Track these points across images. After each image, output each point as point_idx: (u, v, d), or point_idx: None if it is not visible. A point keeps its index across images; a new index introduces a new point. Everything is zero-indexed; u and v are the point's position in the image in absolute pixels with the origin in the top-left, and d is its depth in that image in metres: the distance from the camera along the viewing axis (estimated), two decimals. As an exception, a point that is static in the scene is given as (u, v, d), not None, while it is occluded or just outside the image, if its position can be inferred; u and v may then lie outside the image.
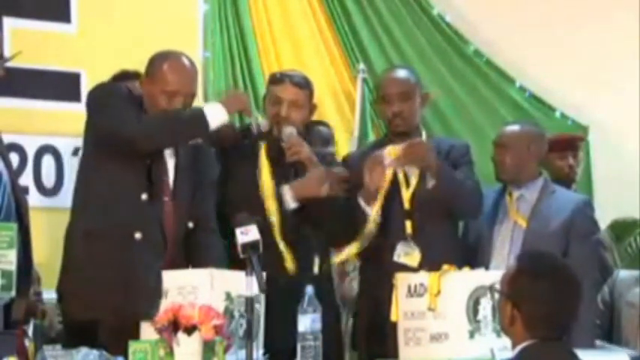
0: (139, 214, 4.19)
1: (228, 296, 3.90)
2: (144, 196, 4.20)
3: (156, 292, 4.03)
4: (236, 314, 3.90)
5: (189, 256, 4.34)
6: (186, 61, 4.34)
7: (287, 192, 4.47)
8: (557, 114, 6.52)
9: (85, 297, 4.15)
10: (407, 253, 4.55)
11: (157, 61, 4.32)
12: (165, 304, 3.79)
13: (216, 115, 4.24)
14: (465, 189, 4.62)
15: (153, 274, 4.07)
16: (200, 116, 4.22)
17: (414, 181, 4.66)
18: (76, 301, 4.20)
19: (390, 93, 4.70)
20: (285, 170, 4.55)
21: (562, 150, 5.59)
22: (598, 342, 4.99)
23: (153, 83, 4.28)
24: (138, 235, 4.16)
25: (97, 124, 4.26)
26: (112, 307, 4.10)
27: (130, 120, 4.18)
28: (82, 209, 4.28)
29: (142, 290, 4.06)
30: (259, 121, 4.60)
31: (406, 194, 4.64)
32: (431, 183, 4.54)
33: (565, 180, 5.54)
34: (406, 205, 4.63)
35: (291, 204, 4.46)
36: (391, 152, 4.51)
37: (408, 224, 4.60)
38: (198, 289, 3.89)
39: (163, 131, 4.21)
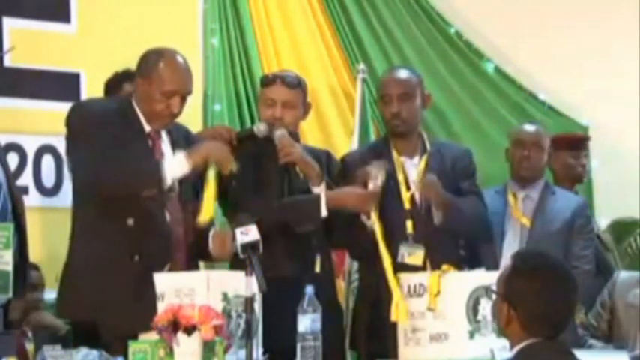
0: (129, 240, 4.16)
1: (225, 297, 3.90)
2: (130, 222, 4.17)
3: (148, 317, 4.02)
4: (233, 314, 3.90)
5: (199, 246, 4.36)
6: (180, 59, 4.30)
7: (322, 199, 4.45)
8: (557, 114, 6.51)
9: (84, 298, 4.16)
10: (410, 253, 4.56)
11: (152, 59, 4.26)
12: (162, 307, 3.78)
13: (176, 168, 4.15)
14: (472, 220, 4.69)
15: (146, 297, 4.03)
16: (155, 171, 4.12)
17: (413, 182, 4.67)
18: (74, 300, 4.21)
19: (389, 93, 4.70)
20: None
21: (576, 149, 5.63)
22: (593, 341, 5.03)
23: (149, 83, 4.23)
24: (136, 258, 4.15)
25: (67, 153, 4.29)
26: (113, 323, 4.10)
27: (88, 167, 4.13)
28: (78, 236, 4.27)
29: (142, 308, 4.05)
30: (258, 125, 4.61)
31: (406, 195, 4.64)
32: (437, 219, 4.55)
33: (574, 179, 5.58)
34: (406, 205, 4.63)
35: (323, 212, 4.45)
36: (378, 173, 4.50)
37: (409, 224, 4.61)
38: (194, 291, 3.88)
39: (116, 182, 4.11)
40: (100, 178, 4.11)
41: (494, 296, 3.28)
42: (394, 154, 4.69)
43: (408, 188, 4.64)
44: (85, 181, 4.17)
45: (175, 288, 3.95)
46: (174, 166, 4.15)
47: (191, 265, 4.27)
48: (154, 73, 4.23)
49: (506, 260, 4.73)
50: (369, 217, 4.50)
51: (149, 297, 3.99)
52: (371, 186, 4.45)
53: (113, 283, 4.13)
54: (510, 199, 5.13)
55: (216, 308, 3.76)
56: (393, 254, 4.52)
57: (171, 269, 4.18)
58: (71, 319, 4.25)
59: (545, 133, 5.29)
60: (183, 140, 4.36)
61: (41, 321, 4.60)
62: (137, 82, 4.29)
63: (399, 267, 4.45)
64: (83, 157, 4.16)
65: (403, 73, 4.82)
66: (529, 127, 5.29)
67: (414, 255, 4.55)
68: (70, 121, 4.27)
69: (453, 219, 4.58)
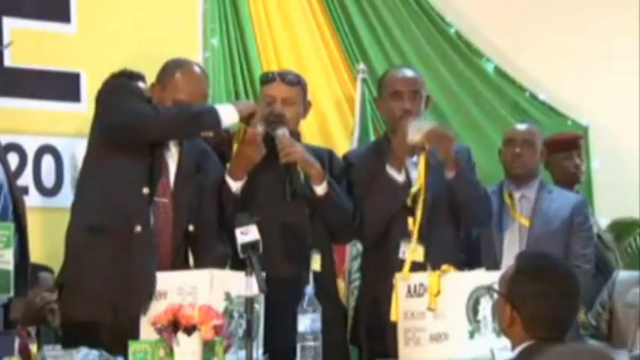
0: (140, 208, 4.19)
1: (228, 296, 3.90)
2: (145, 190, 4.20)
3: (151, 286, 4.03)
4: (235, 314, 3.90)
5: (194, 259, 4.37)
6: (198, 71, 4.39)
7: (227, 178, 4.45)
8: (557, 114, 6.52)
9: (85, 292, 4.16)
10: (411, 250, 4.57)
11: (170, 68, 4.35)
12: (164, 305, 3.78)
13: (228, 115, 4.27)
14: (482, 190, 4.71)
15: (150, 268, 4.08)
16: (213, 112, 4.25)
17: (416, 180, 4.68)
18: (75, 296, 4.20)
19: (401, 90, 4.74)
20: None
21: (567, 150, 5.63)
22: (592, 341, 5.04)
23: (164, 90, 4.32)
24: (138, 229, 4.16)
25: (109, 113, 4.24)
26: (110, 301, 4.10)
27: (143, 108, 4.20)
28: (84, 205, 4.28)
29: (139, 283, 4.06)
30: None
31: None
32: (450, 174, 4.56)
33: (571, 180, 5.58)
34: (408, 202, 4.64)
35: (234, 186, 4.44)
36: (419, 129, 4.54)
37: (411, 221, 4.61)
38: (197, 290, 3.89)
39: (177, 120, 4.21)
40: (158, 117, 4.18)
41: (495, 295, 3.28)
42: (396, 152, 4.72)
43: (410, 185, 4.65)
44: (143, 121, 4.18)
45: (178, 286, 3.95)
46: (228, 114, 4.27)
47: (177, 268, 4.26)
48: (170, 81, 4.32)
49: (507, 260, 4.76)
50: (399, 171, 4.57)
51: (149, 274, 4.05)
52: (410, 136, 4.53)
53: (113, 252, 4.15)
54: (507, 199, 5.14)
55: (219, 308, 3.76)
56: (394, 251, 4.55)
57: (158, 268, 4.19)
58: (68, 283, 4.24)
59: (538, 131, 5.29)
60: (195, 150, 4.38)
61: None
62: (155, 88, 4.36)
63: (400, 264, 4.46)
64: (136, 106, 4.21)
65: (411, 72, 4.91)
66: (520, 126, 5.33)
67: (415, 252, 4.56)
68: (108, 88, 4.33)
69: (465, 181, 4.60)
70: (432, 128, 4.58)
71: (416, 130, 4.55)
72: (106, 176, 4.23)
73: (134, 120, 4.17)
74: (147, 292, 4.03)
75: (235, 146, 4.47)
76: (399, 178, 4.60)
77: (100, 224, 4.18)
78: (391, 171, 4.59)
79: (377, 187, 4.62)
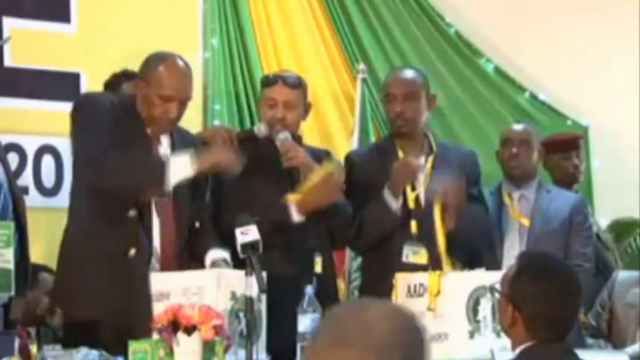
0: (130, 231, 4.15)
1: (234, 296, 3.89)
2: (131, 213, 4.16)
3: (149, 309, 4.01)
4: (241, 314, 3.89)
5: (200, 250, 4.33)
6: (182, 65, 4.27)
7: (291, 206, 4.41)
8: (557, 114, 6.52)
9: (85, 296, 4.15)
10: (415, 252, 4.57)
11: (152, 63, 4.24)
12: (167, 305, 3.77)
13: (180, 171, 4.09)
14: (479, 231, 4.72)
15: (147, 290, 4.04)
16: (160, 172, 4.06)
17: (418, 182, 4.67)
18: (75, 299, 4.19)
19: (393, 92, 4.71)
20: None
21: (566, 150, 5.63)
22: (592, 341, 5.04)
23: (147, 86, 4.21)
24: (132, 252, 4.14)
25: (71, 143, 4.23)
26: (110, 303, 4.09)
27: (93, 149, 4.09)
28: (75, 229, 4.25)
29: (139, 308, 4.04)
30: (259, 126, 4.60)
31: (411, 195, 4.65)
32: (450, 224, 4.54)
33: (570, 180, 5.58)
34: (411, 204, 4.63)
35: (296, 217, 4.42)
36: (435, 191, 4.56)
37: (413, 224, 4.61)
38: (204, 290, 3.86)
39: (118, 174, 4.07)
40: (103, 176, 4.08)
41: (497, 295, 3.27)
42: (400, 153, 4.70)
43: (413, 188, 4.64)
44: (87, 177, 4.14)
45: (183, 287, 3.91)
46: (178, 168, 4.09)
47: (182, 268, 4.23)
48: (153, 76, 4.20)
49: (508, 261, 4.76)
50: (396, 197, 4.54)
51: (145, 296, 4.00)
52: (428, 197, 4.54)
53: (109, 277, 4.12)
54: (506, 199, 5.13)
55: (226, 307, 3.75)
56: (397, 253, 4.55)
57: (161, 270, 4.18)
58: (66, 311, 4.22)
59: (535, 131, 5.29)
60: (187, 146, 4.35)
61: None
62: (138, 84, 4.27)
63: (403, 267, 4.45)
64: (86, 154, 4.14)
65: (408, 74, 4.86)
66: (516, 126, 5.33)
67: (419, 254, 4.56)
68: (78, 112, 4.22)
69: (464, 228, 4.57)
70: (444, 189, 4.53)
71: (433, 193, 4.54)
72: (91, 201, 4.18)
73: (83, 162, 4.14)
74: (146, 316, 3.98)
75: (309, 183, 4.39)
76: (394, 205, 4.55)
77: (92, 252, 4.14)
78: (388, 197, 4.56)
79: (374, 206, 4.60)
